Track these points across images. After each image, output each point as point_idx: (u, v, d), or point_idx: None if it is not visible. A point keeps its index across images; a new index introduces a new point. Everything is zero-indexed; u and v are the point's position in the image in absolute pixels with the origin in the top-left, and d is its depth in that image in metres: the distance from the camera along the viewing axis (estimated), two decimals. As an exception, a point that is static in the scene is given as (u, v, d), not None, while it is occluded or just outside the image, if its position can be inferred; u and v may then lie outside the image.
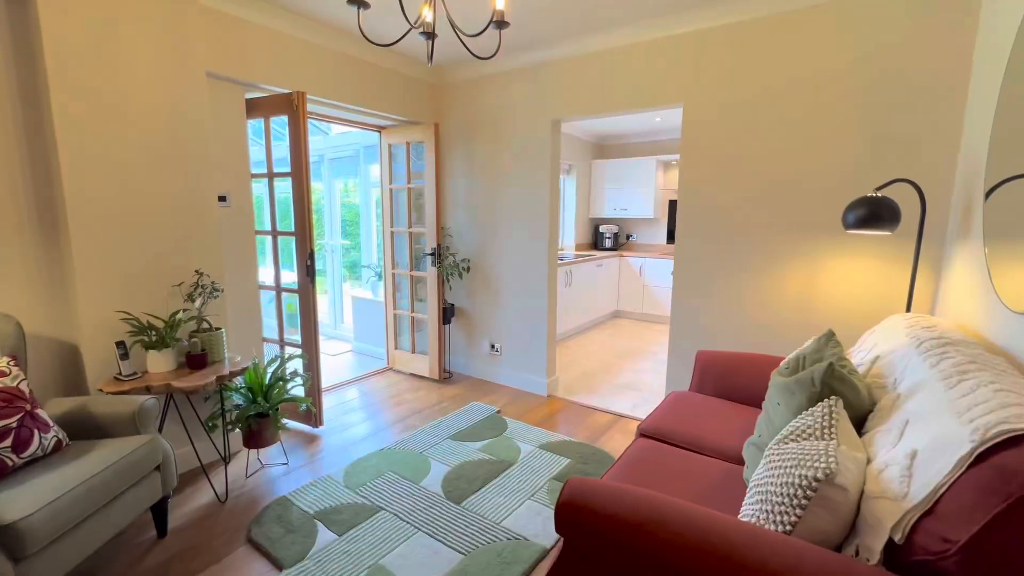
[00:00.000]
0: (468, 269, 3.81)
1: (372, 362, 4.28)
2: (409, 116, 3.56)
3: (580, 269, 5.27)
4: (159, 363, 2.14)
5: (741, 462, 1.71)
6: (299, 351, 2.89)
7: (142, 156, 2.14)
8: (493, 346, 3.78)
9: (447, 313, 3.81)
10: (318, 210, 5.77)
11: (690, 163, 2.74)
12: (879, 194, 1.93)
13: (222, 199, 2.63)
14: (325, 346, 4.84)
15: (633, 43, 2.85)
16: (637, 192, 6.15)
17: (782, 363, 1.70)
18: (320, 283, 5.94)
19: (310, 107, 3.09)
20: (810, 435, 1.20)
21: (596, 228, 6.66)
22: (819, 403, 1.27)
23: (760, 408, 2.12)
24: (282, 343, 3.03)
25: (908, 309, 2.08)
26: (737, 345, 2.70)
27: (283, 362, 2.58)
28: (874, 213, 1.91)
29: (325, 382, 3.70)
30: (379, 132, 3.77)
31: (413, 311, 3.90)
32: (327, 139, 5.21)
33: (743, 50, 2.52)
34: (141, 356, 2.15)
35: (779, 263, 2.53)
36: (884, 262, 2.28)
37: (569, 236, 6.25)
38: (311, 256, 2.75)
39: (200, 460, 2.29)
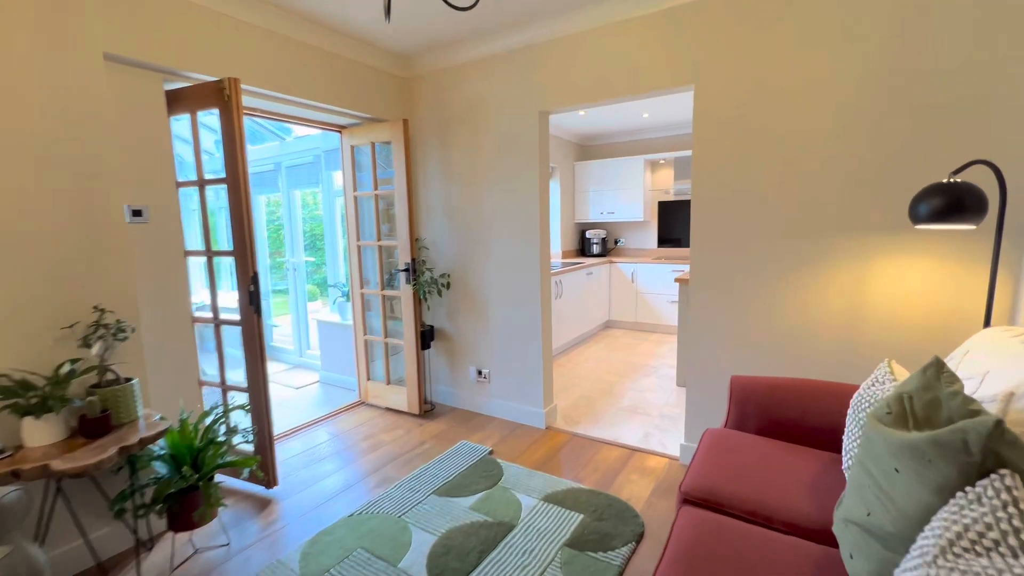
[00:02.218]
0: (448, 285, 3.34)
1: (342, 395, 3.74)
2: (373, 112, 3.09)
3: (569, 279, 4.85)
4: (39, 434, 1.60)
5: (827, 539, 1.28)
6: (245, 395, 2.36)
7: (12, 160, 1.62)
8: (480, 372, 3.31)
9: (426, 337, 3.33)
10: (276, 224, 5.21)
11: (704, 154, 2.34)
12: (957, 179, 1.56)
13: (137, 213, 2.10)
14: (289, 376, 4.28)
15: (632, 17, 2.46)
16: (624, 194, 5.80)
17: (876, 402, 1.29)
18: (282, 305, 5.37)
19: (252, 101, 2.59)
20: (994, 545, 0.77)
21: (582, 234, 6.28)
22: (982, 481, 0.86)
23: (823, 449, 1.71)
24: (224, 387, 2.49)
25: (988, 320, 1.71)
26: (769, 367, 2.30)
27: (224, 414, 2.05)
28: (955, 203, 1.53)
29: (286, 423, 3.15)
30: (339, 132, 3.28)
31: (387, 336, 3.40)
32: (284, 145, 4.68)
33: (761, 17, 2.15)
34: (14, 426, 1.61)
35: (817, 267, 2.15)
36: (951, 263, 1.91)
37: (556, 243, 5.84)
38: (254, 279, 2.24)
39: (97, 557, 1.74)
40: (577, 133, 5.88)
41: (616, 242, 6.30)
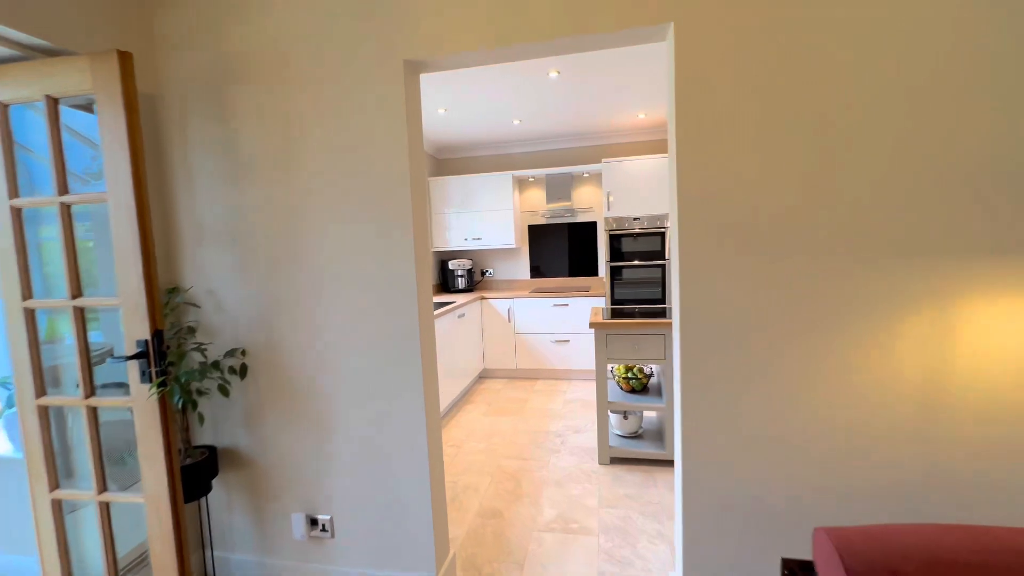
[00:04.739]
0: (243, 370, 1.83)
1: (11, 609, 1.84)
2: (51, 34, 1.50)
3: (442, 325, 3.63)
4: None
5: None
6: None
7: None
8: (315, 521, 1.85)
9: (198, 473, 1.75)
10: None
11: (692, 142, 1.44)
12: None
13: None
14: None
15: (562, -91, 1.47)
16: (492, 216, 4.86)
17: None
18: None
19: None
20: None
21: (443, 264, 5.12)
22: None
23: None
24: None
25: None
26: (809, 477, 1.45)
27: None
28: None
29: None
30: (-30, 74, 1.56)
31: (101, 489, 1.69)
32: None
33: (778, -75, 1.35)
34: None
35: (875, 312, 1.38)
36: (1077, 301, 1.29)
37: (411, 278, 4.56)
38: None
39: None
40: (432, 142, 4.78)
41: (484, 273, 5.30)
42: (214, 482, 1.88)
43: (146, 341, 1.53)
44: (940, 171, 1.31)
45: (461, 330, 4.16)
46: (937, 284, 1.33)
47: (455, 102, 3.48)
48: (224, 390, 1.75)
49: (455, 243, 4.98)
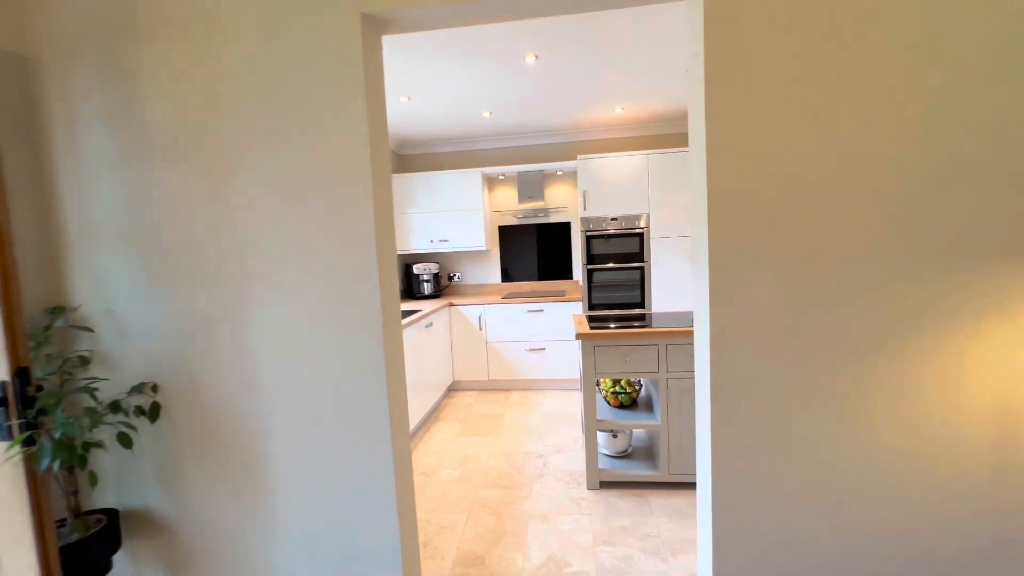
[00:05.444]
0: (155, 410, 1.42)
1: None
2: None
3: (408, 336, 3.26)
4: None
5: None
6: None
7: None
8: (252, 599, 1.46)
9: (86, 553, 1.33)
10: None
11: (726, 125, 1.17)
12: None
13: None
14: None
15: None
16: (460, 217, 4.51)
17: None
18: None
19: None
20: None
21: (408, 269, 4.73)
22: None
23: None
24: None
25: None
26: (875, 518, 1.21)
27: None
28: None
29: None
30: None
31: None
32: None
33: None
34: None
35: (943, 331, 1.15)
36: None
37: (372, 284, 4.14)
38: None
39: None
40: (394, 136, 4.38)
41: (451, 278, 4.95)
42: (116, 558, 1.45)
43: (2, 384, 1.11)
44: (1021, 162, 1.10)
45: (429, 340, 3.80)
46: (994, 294, 1.12)
47: (420, 88, 3.12)
48: (125, 440, 1.34)
49: (420, 245, 4.60)
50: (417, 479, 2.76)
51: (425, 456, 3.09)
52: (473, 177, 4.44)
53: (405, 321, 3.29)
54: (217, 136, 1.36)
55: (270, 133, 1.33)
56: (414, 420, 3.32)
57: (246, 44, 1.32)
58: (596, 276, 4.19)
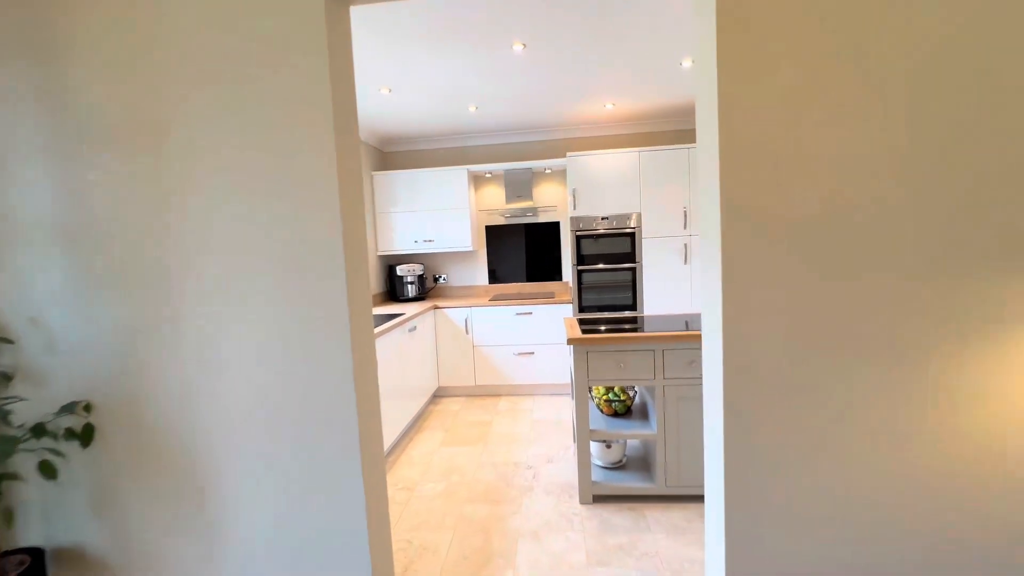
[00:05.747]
0: (88, 433, 1.23)
1: None
2: None
3: (390, 340, 3.09)
4: None
5: None
6: None
7: None
8: (203, 647, 1.28)
9: (7, 600, 1.14)
10: None
11: (743, 109, 1.03)
12: None
13: None
14: None
15: None
16: (445, 216, 4.35)
17: None
18: None
19: None
20: None
21: (391, 270, 4.55)
22: None
23: None
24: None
25: None
26: (904, 545, 1.08)
27: None
28: None
29: None
30: None
31: None
32: None
33: None
34: None
35: (988, 341, 1.03)
36: None
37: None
38: None
39: None
40: (375, 132, 4.20)
41: (436, 279, 4.77)
42: (41, 603, 1.26)
43: None
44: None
45: (413, 345, 3.62)
46: (1065, 295, 1.00)
47: (401, 78, 2.96)
48: (48, 470, 1.15)
49: (403, 246, 4.42)
50: (398, 494, 2.59)
51: (407, 468, 2.91)
52: (459, 175, 4.27)
53: (388, 325, 3.11)
54: (161, 120, 1.18)
55: (221, 117, 1.16)
56: (397, 429, 3.14)
57: (191, 15, 1.14)
58: (586, 277, 4.05)
